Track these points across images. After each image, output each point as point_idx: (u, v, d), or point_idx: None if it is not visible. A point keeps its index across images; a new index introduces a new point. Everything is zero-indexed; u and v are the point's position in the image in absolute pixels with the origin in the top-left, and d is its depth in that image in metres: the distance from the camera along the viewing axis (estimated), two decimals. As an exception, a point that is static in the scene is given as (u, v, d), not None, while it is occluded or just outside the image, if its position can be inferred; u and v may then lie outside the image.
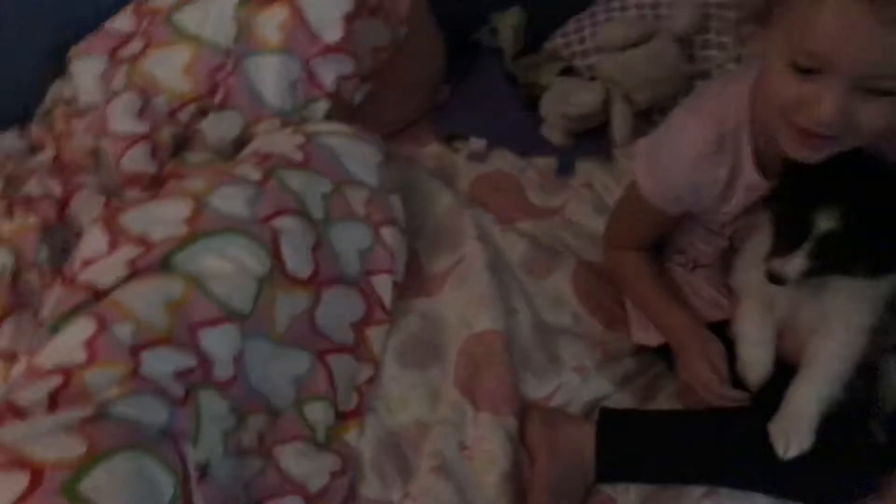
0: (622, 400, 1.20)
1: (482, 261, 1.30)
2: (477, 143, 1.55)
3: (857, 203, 0.93)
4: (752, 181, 1.06)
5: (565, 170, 1.54)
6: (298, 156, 1.23)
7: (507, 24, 1.68)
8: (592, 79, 1.61)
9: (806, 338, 1.07)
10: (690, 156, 1.07)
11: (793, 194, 0.98)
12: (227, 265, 1.05)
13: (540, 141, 1.59)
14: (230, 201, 1.11)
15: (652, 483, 1.10)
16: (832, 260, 0.96)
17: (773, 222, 1.00)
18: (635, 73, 1.51)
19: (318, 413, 1.09)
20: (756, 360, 1.07)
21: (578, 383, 1.20)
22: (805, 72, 0.88)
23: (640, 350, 1.26)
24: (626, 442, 1.11)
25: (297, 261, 1.13)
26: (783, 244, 0.97)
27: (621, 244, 1.25)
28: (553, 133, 1.58)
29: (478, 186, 1.49)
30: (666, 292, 1.21)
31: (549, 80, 1.63)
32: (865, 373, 1.11)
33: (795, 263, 0.96)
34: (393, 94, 1.53)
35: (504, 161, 1.55)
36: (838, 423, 1.05)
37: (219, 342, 1.01)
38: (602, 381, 1.21)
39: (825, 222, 0.94)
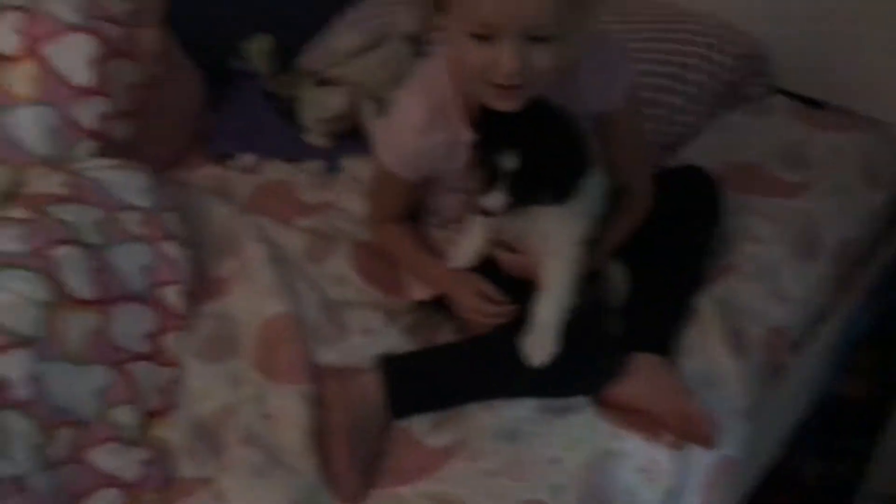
0: (408, 349, 1.34)
1: (264, 256, 1.42)
2: (247, 159, 1.68)
3: (531, 145, 1.14)
4: (468, 138, 1.25)
5: (333, 169, 1.69)
6: (66, 191, 1.31)
7: (257, 50, 1.82)
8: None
9: (538, 256, 1.27)
10: (413, 127, 1.25)
11: (484, 142, 1.18)
12: (9, 297, 1.13)
13: (306, 147, 1.74)
14: (2, 241, 1.18)
15: (438, 409, 1.25)
16: (522, 193, 1.16)
17: (478, 166, 1.19)
18: (374, 74, 1.69)
19: (124, 416, 1.18)
20: (463, 252, 1.31)
21: (366, 343, 1.33)
22: (482, 39, 1.08)
23: (420, 305, 1.41)
24: (410, 379, 1.25)
25: (80, 284, 1.21)
26: (486, 184, 1.17)
27: (381, 219, 1.42)
28: (315, 138, 1.73)
29: (254, 197, 1.62)
30: (425, 252, 1.38)
31: (305, 93, 1.78)
32: (593, 279, 1.33)
33: (495, 199, 1.16)
34: (158, 128, 1.64)
35: (276, 170, 1.68)
36: (578, 325, 1.25)
37: (12, 367, 1.09)
38: (388, 337, 1.35)
39: (508, 163, 1.14)
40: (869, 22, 1.61)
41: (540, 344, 1.22)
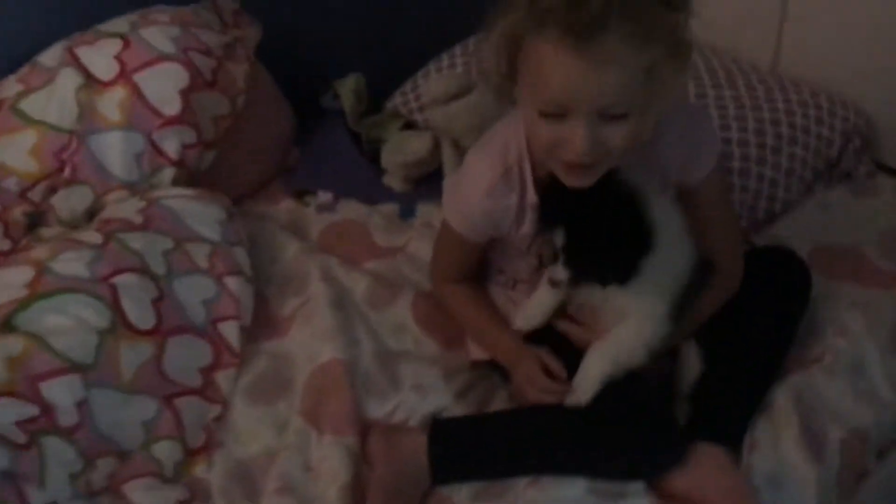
0: (459, 411, 1.30)
1: (326, 299, 1.41)
2: (324, 196, 1.68)
3: (577, 225, 1.12)
4: (536, 204, 1.21)
5: (408, 213, 1.68)
6: (139, 219, 1.33)
7: (348, 89, 1.83)
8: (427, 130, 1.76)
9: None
10: (483, 188, 1.21)
11: (544, 217, 1.17)
12: (67, 321, 1.15)
13: (384, 190, 1.73)
14: (70, 264, 1.21)
15: (482, 479, 1.20)
16: (577, 270, 1.13)
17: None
18: (460, 121, 1.66)
19: (165, 451, 1.18)
20: (530, 313, 1.27)
21: (417, 400, 1.30)
22: (553, 117, 1.04)
23: (477, 365, 1.37)
24: (456, 446, 1.21)
25: (139, 314, 1.22)
26: (554, 256, 1.15)
27: (445, 277, 1.38)
28: (394, 181, 1.72)
29: (326, 235, 1.62)
30: (489, 317, 1.33)
31: (390, 135, 1.78)
32: (669, 358, 1.26)
33: (558, 272, 1.14)
34: (242, 158, 1.66)
35: (351, 210, 1.68)
36: (642, 405, 1.18)
37: (60, 392, 1.10)
38: (440, 396, 1.31)
39: (559, 240, 1.12)
40: None
41: (579, 386, 1.17)
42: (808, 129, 1.62)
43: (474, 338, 1.36)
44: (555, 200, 1.14)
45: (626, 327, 1.19)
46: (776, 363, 1.31)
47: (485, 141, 1.26)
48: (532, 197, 1.20)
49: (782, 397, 1.27)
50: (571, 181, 1.11)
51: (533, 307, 1.28)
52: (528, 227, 1.23)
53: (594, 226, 1.11)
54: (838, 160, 1.66)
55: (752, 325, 1.29)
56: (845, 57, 1.69)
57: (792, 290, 1.34)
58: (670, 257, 1.16)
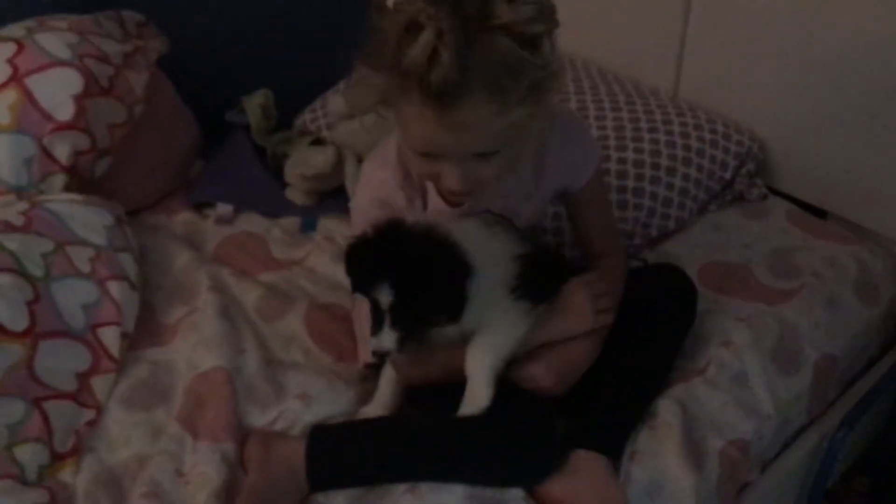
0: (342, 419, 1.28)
1: (214, 308, 1.39)
2: (223, 209, 1.66)
3: (402, 276, 1.06)
4: (439, 207, 1.23)
5: (309, 227, 1.67)
6: (20, 221, 1.30)
7: (254, 104, 1.82)
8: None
9: None
10: (384, 193, 1.23)
11: (359, 280, 1.11)
12: (-69, 320, 1.10)
13: (286, 203, 1.72)
14: (-60, 264, 1.17)
15: (359, 486, 1.18)
16: (412, 324, 1.08)
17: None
18: (360, 137, 1.66)
19: (28, 454, 1.13)
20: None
21: (301, 408, 1.27)
22: (426, 156, 1.08)
23: (368, 367, 1.33)
24: (333, 451, 1.19)
25: (10, 315, 1.19)
26: (374, 323, 1.10)
27: None
28: (295, 195, 1.71)
29: (223, 247, 1.60)
30: None
31: (296, 151, 1.78)
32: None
33: (386, 338, 1.08)
34: (139, 168, 1.63)
35: (251, 223, 1.66)
36: (522, 414, 1.18)
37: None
38: (326, 405, 1.28)
39: (385, 298, 1.07)
40: (878, 131, 1.54)
41: (475, 392, 1.15)
42: (703, 151, 1.66)
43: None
44: (367, 261, 1.10)
45: (492, 328, 1.16)
46: (660, 375, 1.32)
47: (378, 150, 1.28)
48: (436, 201, 1.22)
49: (665, 408, 1.28)
50: (452, 202, 1.18)
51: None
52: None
53: (419, 270, 1.06)
54: (731, 182, 1.70)
55: (638, 338, 1.30)
56: (742, 84, 1.74)
57: (678, 304, 1.36)
58: (487, 268, 1.13)
